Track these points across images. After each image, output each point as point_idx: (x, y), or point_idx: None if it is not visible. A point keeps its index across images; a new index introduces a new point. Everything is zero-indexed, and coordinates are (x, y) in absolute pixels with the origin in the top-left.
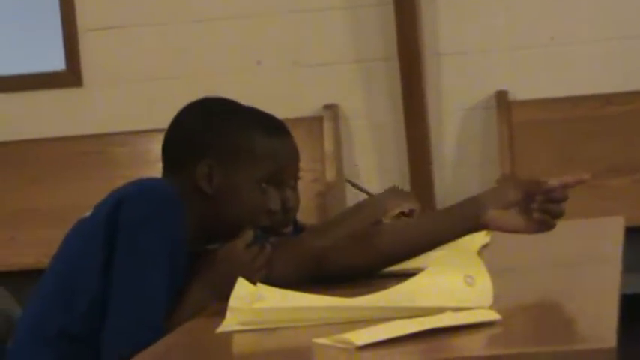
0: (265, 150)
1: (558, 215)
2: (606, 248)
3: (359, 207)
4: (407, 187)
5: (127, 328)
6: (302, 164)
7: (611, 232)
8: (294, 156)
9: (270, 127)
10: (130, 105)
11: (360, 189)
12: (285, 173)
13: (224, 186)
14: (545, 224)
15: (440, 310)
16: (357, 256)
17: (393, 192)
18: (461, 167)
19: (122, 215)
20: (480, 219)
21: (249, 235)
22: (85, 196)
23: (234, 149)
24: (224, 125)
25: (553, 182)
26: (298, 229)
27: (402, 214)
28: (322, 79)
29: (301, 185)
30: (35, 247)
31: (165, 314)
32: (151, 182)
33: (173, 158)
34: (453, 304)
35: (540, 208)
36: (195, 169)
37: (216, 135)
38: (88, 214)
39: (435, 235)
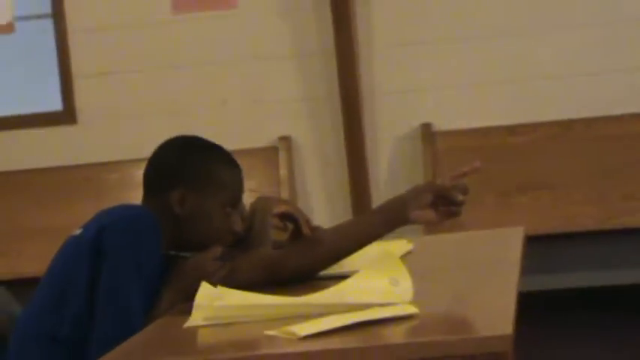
0: (227, 179)
1: (462, 204)
2: (508, 253)
3: (254, 210)
4: (349, 205)
5: (111, 337)
6: (260, 187)
7: (513, 240)
8: (242, 182)
9: (230, 160)
10: (118, 138)
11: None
12: (239, 198)
13: (195, 210)
14: (452, 213)
15: (369, 306)
16: (306, 259)
17: (271, 197)
18: (394, 187)
19: (105, 241)
20: (405, 216)
21: (217, 250)
22: (80, 216)
23: (201, 178)
24: (194, 159)
25: (446, 182)
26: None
27: (285, 214)
28: (277, 115)
29: None
30: (37, 259)
31: (143, 322)
32: (130, 209)
33: (152, 185)
34: (380, 301)
35: (446, 202)
36: (169, 195)
37: (187, 167)
38: (77, 231)
39: (371, 231)
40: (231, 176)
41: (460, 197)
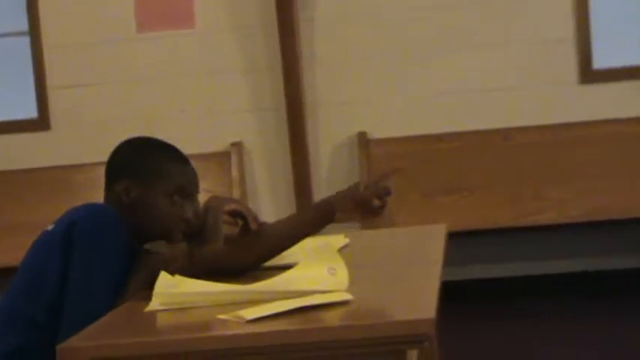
0: (171, 170)
1: (383, 206)
2: (432, 247)
3: (207, 208)
4: (293, 204)
5: (80, 320)
6: (214, 187)
7: (436, 235)
8: (192, 177)
9: (175, 155)
10: (87, 143)
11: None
12: (187, 190)
13: (141, 198)
14: (374, 212)
15: (310, 293)
16: (245, 257)
17: (222, 196)
18: (333, 188)
19: (75, 236)
20: (332, 217)
21: (182, 246)
22: (53, 213)
23: (147, 170)
24: (139, 153)
25: (366, 190)
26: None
27: (235, 212)
28: (230, 123)
29: None
30: (15, 251)
31: (109, 308)
32: (96, 207)
33: (107, 180)
34: (319, 288)
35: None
36: (117, 185)
37: (133, 160)
38: (50, 227)
39: (304, 228)
40: (175, 168)
41: (377, 203)
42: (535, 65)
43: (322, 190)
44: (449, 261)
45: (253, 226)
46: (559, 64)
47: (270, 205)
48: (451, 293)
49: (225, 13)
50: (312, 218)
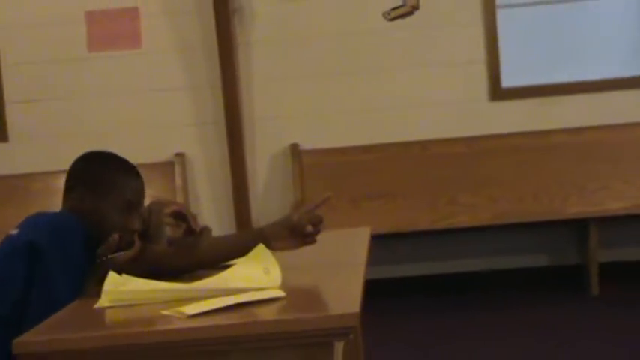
0: (121, 182)
1: (316, 233)
2: (358, 248)
3: (150, 211)
4: (232, 210)
5: (42, 316)
6: (159, 195)
7: (361, 237)
8: (141, 189)
9: (127, 168)
10: (42, 154)
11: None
12: (135, 203)
13: (92, 207)
14: (305, 242)
15: (246, 290)
16: (182, 261)
17: (163, 200)
18: (269, 196)
19: (38, 241)
20: (267, 245)
21: (115, 238)
22: (9, 218)
23: (101, 182)
24: (93, 165)
25: (301, 218)
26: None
27: (176, 213)
28: (174, 135)
29: None
30: None
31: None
32: (58, 215)
33: (66, 187)
34: (255, 285)
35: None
36: (73, 195)
37: (89, 171)
38: (14, 231)
39: (235, 250)
40: (127, 182)
41: (310, 229)
42: (450, 84)
43: (258, 197)
44: (372, 261)
45: (195, 226)
46: (471, 83)
47: (211, 211)
48: (374, 290)
49: (170, 35)
50: (246, 243)
